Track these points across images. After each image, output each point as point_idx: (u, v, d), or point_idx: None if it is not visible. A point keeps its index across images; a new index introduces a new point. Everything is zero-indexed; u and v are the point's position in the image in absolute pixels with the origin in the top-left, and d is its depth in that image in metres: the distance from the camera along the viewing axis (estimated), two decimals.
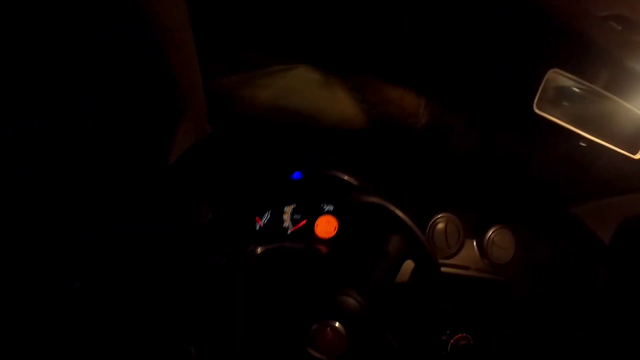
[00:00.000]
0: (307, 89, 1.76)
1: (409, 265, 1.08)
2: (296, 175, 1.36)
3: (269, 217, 1.34)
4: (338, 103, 1.81)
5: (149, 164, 1.30)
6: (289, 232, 1.34)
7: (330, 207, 1.35)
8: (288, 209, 1.35)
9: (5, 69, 1.04)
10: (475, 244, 1.38)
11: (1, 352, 1.13)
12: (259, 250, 1.14)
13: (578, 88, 1.08)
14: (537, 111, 1.11)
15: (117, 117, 1.22)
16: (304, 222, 1.34)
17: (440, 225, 1.35)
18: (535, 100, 1.10)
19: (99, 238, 1.22)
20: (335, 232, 1.32)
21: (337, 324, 0.91)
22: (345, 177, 1.34)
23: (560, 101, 1.10)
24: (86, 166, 1.22)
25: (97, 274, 1.21)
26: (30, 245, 1.16)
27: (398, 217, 1.02)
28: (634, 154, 1.07)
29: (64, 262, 1.19)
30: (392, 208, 1.03)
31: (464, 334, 1.31)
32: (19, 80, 1.06)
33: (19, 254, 1.15)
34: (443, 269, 1.07)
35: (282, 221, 1.35)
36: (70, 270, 1.19)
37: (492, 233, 1.36)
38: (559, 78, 1.08)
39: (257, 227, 1.35)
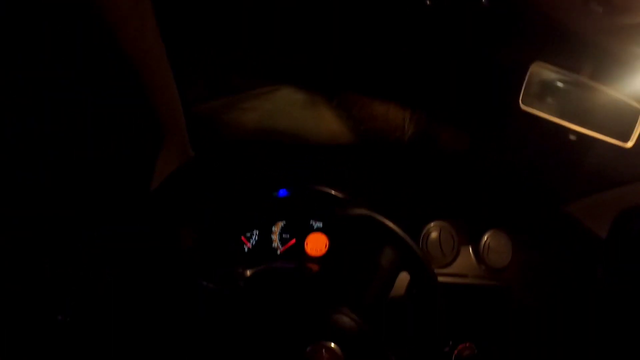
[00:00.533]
0: (293, 110, 1.77)
1: (404, 277, 1.04)
2: (282, 192, 1.33)
3: (257, 237, 1.31)
4: (325, 121, 1.81)
5: (130, 192, 1.29)
6: (279, 252, 1.31)
7: (320, 224, 1.32)
8: (276, 229, 1.32)
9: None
10: (471, 250, 1.35)
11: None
12: (248, 273, 1.11)
13: (563, 80, 1.05)
14: (523, 107, 1.08)
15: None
16: (293, 241, 1.31)
17: (434, 234, 1.31)
18: (521, 96, 1.07)
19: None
20: (326, 249, 1.28)
21: (332, 345, 0.88)
22: (332, 192, 1.31)
23: (546, 95, 1.08)
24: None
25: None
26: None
27: (388, 227, 0.98)
28: (626, 142, 1.03)
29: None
30: (382, 219, 0.99)
31: (468, 344, 1.27)
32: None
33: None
34: (440, 278, 1.03)
35: (271, 241, 1.31)
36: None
37: (487, 238, 1.33)
38: (543, 71, 1.05)
39: (246, 249, 1.31)
